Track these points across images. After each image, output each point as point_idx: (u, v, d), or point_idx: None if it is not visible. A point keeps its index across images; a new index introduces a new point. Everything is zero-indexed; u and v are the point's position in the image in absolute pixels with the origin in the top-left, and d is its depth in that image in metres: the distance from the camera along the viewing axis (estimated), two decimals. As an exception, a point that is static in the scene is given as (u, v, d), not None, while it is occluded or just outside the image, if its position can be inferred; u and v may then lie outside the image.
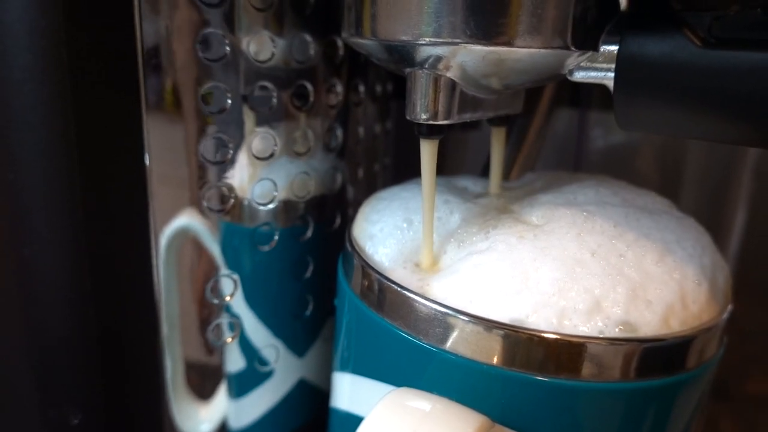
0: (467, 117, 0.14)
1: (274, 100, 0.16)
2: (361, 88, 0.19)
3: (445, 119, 0.13)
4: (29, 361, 0.15)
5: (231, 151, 0.16)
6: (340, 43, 0.17)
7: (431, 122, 0.13)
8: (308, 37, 0.16)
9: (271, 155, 0.17)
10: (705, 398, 0.15)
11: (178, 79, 0.15)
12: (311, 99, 0.17)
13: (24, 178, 0.14)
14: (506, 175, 0.19)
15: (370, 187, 0.21)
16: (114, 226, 0.14)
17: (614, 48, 0.12)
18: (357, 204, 0.21)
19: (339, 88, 0.18)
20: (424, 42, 0.12)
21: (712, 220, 0.23)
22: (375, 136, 0.20)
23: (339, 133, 0.18)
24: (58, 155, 0.14)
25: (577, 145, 0.21)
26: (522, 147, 0.19)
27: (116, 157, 0.14)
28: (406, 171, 0.22)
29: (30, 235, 0.14)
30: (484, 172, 0.20)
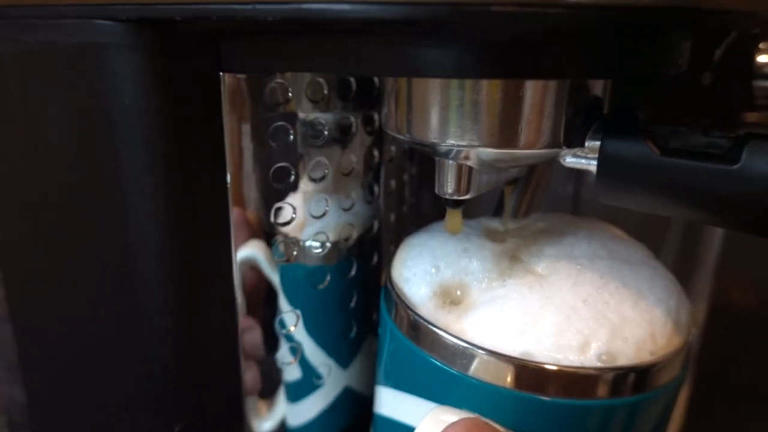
0: (484, 189, 0.18)
1: (327, 171, 0.20)
2: (393, 148, 0.23)
3: (466, 195, 0.17)
4: (139, 380, 0.20)
5: (293, 214, 0.20)
6: (375, 116, 0.21)
7: (455, 198, 0.17)
8: (351, 117, 0.20)
9: (324, 213, 0.20)
10: (672, 406, 0.18)
11: (255, 159, 0.18)
12: (355, 166, 0.21)
13: (136, 221, 0.18)
14: (516, 215, 0.23)
15: (399, 225, 0.25)
16: (208, 289, 0.19)
17: (597, 144, 0.16)
18: (389, 241, 0.25)
19: (375, 152, 0.22)
20: (447, 145, 0.16)
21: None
22: (403, 183, 0.24)
23: (375, 188, 0.22)
24: (163, 202, 0.18)
25: (575, 186, 0.25)
26: (527, 192, 0.23)
27: (209, 221, 0.18)
28: (429, 208, 0.26)
29: (140, 273, 0.18)
30: (496, 212, 0.24)
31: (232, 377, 0.20)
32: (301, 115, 0.19)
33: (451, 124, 0.16)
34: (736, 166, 0.13)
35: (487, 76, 0.14)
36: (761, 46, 0.23)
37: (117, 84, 0.17)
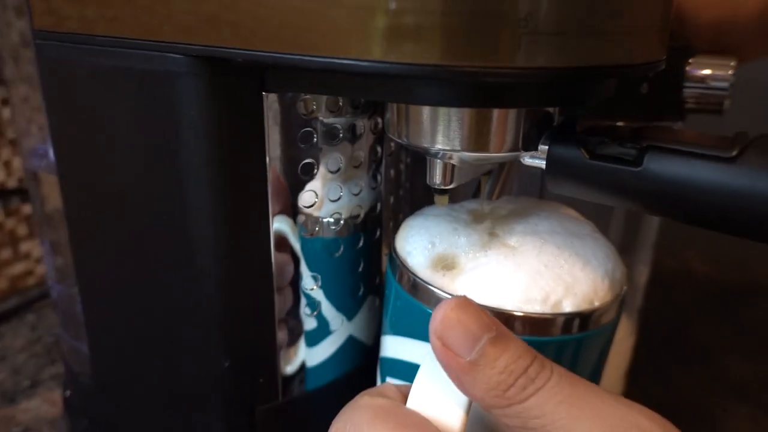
0: (464, 180, 0.23)
1: (341, 164, 0.25)
2: (392, 144, 0.28)
3: (450, 185, 0.23)
4: (195, 327, 0.25)
5: (315, 198, 0.25)
6: (379, 120, 0.27)
7: (441, 187, 0.23)
8: (360, 121, 0.26)
9: (339, 198, 0.26)
10: (609, 343, 0.24)
11: (287, 157, 0.24)
12: (362, 160, 0.26)
13: (196, 204, 0.23)
14: (490, 198, 0.29)
15: (397, 206, 0.31)
16: (250, 257, 0.24)
17: (546, 149, 0.21)
18: (389, 219, 0.30)
19: (378, 149, 0.27)
20: (436, 149, 0.21)
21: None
22: (400, 172, 0.30)
23: (378, 177, 0.28)
24: (217, 193, 0.23)
25: (542, 174, 0.30)
26: (498, 181, 0.28)
27: (253, 214, 0.24)
28: (420, 192, 0.32)
29: (203, 258, 0.24)
30: (474, 196, 0.29)
31: (268, 326, 0.26)
32: (322, 121, 0.24)
33: (439, 133, 0.21)
34: (639, 169, 0.19)
35: (464, 106, 0.19)
36: (690, 60, 0.29)
37: (181, 102, 0.22)
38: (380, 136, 0.27)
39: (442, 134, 0.21)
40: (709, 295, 0.63)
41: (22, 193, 0.58)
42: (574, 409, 0.17)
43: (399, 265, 0.24)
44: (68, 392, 0.37)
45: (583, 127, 0.21)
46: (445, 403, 0.19)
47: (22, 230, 0.59)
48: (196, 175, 0.23)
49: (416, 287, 0.23)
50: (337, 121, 0.25)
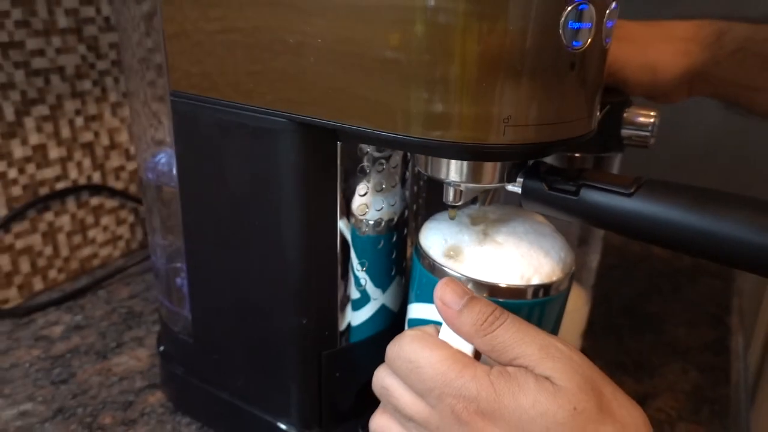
0: (467, 199, 0.35)
1: (383, 185, 0.37)
2: (416, 169, 0.40)
3: (458, 202, 0.34)
4: (281, 293, 0.37)
5: (366, 209, 0.37)
6: (408, 155, 0.38)
7: (452, 204, 0.34)
8: (397, 156, 0.37)
9: (381, 208, 0.38)
10: (563, 307, 0.36)
11: (349, 183, 0.35)
12: (396, 181, 0.38)
13: (288, 218, 0.35)
14: (484, 203, 0.40)
15: (418, 212, 0.42)
16: (322, 248, 0.36)
17: (521, 181, 0.33)
18: (412, 221, 0.42)
19: (407, 173, 0.39)
20: (449, 180, 0.33)
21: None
22: (419, 189, 0.41)
23: (406, 193, 0.39)
24: (304, 210, 0.35)
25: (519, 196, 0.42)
26: (490, 195, 0.40)
27: (326, 220, 0.35)
28: (434, 201, 0.43)
29: (294, 243, 0.35)
30: (473, 203, 0.41)
31: (332, 295, 0.38)
32: (372, 156, 0.36)
33: (452, 171, 0.33)
34: (577, 198, 0.31)
35: (469, 160, 0.31)
36: (626, 111, 0.40)
37: (281, 148, 0.33)
38: (407, 165, 0.39)
39: (455, 172, 0.33)
40: (664, 276, 0.75)
41: (90, 188, 0.69)
42: (520, 334, 0.29)
43: (422, 254, 0.36)
44: (162, 347, 0.49)
45: (545, 168, 0.33)
46: (460, 340, 0.31)
47: (89, 220, 0.70)
48: (289, 197, 0.34)
49: (434, 269, 0.35)
50: (382, 155, 0.36)
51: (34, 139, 0.62)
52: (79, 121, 0.66)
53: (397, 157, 0.37)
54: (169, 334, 0.47)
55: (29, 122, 0.61)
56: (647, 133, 0.40)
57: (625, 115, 0.40)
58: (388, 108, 0.28)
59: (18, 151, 0.61)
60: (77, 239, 0.69)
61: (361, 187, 0.36)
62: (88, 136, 0.67)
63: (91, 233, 0.70)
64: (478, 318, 0.30)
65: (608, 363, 0.55)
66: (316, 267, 0.36)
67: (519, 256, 0.34)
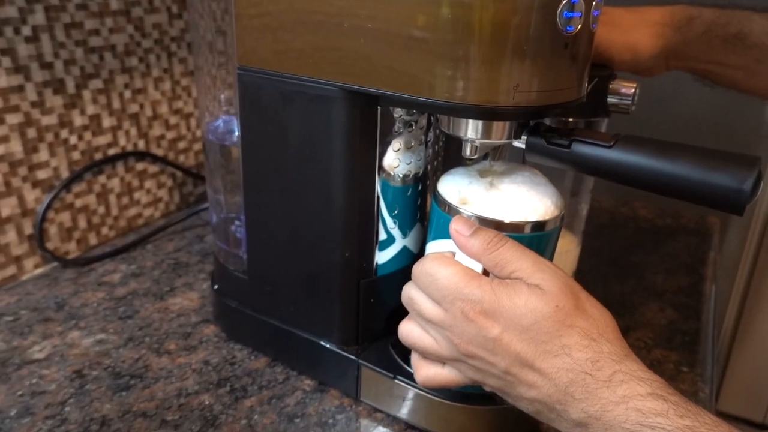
0: (481, 153, 0.43)
1: (412, 143, 0.45)
2: (437, 131, 0.48)
3: (474, 156, 0.43)
4: (328, 233, 0.45)
5: (398, 162, 0.45)
6: (432, 118, 0.46)
7: (470, 158, 0.43)
8: (423, 118, 0.45)
9: (409, 162, 0.46)
10: (555, 242, 0.45)
11: (384, 143, 0.43)
12: (421, 139, 0.46)
13: (336, 177, 0.43)
14: (493, 159, 0.48)
15: (437, 166, 0.51)
16: (363, 196, 0.44)
17: (525, 138, 0.41)
18: (432, 174, 0.50)
19: (430, 133, 0.47)
20: (467, 137, 0.41)
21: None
22: (438, 148, 0.50)
23: (429, 150, 0.48)
24: (348, 168, 0.43)
25: (523, 151, 0.51)
26: (499, 151, 0.48)
27: (367, 171, 0.43)
28: (452, 157, 0.52)
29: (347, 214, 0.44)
30: (484, 158, 0.49)
31: (369, 234, 0.46)
32: (402, 118, 0.44)
33: (470, 129, 0.41)
34: (569, 150, 0.39)
35: (485, 119, 0.39)
36: (611, 83, 0.49)
37: (333, 113, 0.41)
38: (430, 128, 0.47)
39: (472, 130, 0.41)
40: (648, 233, 0.84)
41: (135, 154, 0.77)
42: (517, 253, 0.37)
43: (440, 200, 0.44)
44: (217, 286, 0.58)
45: (544, 128, 0.41)
46: (470, 260, 0.39)
47: (135, 183, 0.78)
48: (338, 152, 0.42)
49: (450, 209, 0.43)
50: (411, 119, 0.44)
51: (90, 109, 0.70)
52: (127, 93, 0.74)
53: (423, 120, 0.46)
54: (225, 274, 0.56)
55: (87, 94, 0.69)
56: (629, 102, 0.48)
57: (610, 86, 0.48)
58: (421, 78, 0.36)
59: (78, 120, 0.69)
60: (125, 200, 0.77)
61: (395, 144, 0.45)
62: (134, 108, 0.75)
63: (136, 195, 0.78)
64: (484, 240, 0.38)
65: (596, 302, 0.64)
66: (358, 211, 0.45)
67: (519, 199, 0.42)
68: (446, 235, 0.42)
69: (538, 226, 0.41)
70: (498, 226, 0.41)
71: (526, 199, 0.42)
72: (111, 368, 0.53)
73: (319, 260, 0.47)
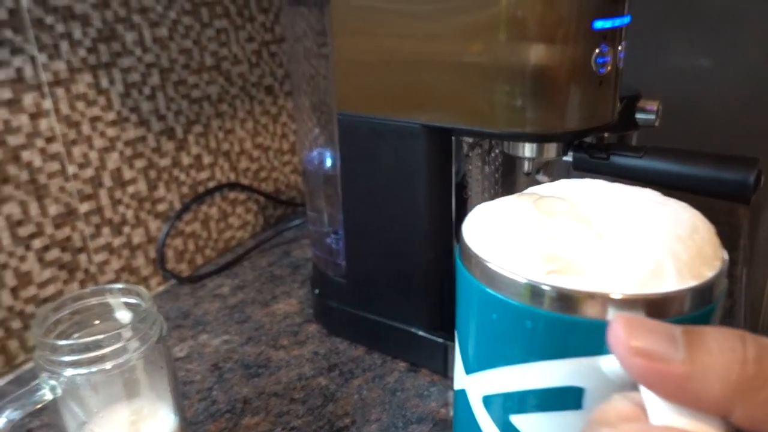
0: (535, 168, 0.54)
1: (479, 165, 0.56)
2: (496, 156, 0.59)
3: (530, 171, 0.53)
4: (425, 242, 0.57)
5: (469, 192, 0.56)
6: (494, 143, 0.57)
7: (527, 172, 0.53)
8: (486, 144, 0.56)
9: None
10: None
11: (457, 171, 0.55)
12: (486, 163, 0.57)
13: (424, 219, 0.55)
14: (545, 173, 0.59)
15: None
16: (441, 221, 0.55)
17: (571, 153, 0.52)
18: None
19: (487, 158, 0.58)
20: (525, 156, 0.52)
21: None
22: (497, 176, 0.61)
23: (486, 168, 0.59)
24: (430, 192, 0.54)
25: (570, 165, 0.61)
26: (549, 163, 0.58)
27: (443, 195, 0.55)
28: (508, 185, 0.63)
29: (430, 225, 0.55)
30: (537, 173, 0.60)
31: (449, 240, 0.57)
32: (471, 148, 0.55)
33: (526, 149, 0.52)
34: (608, 161, 0.50)
35: (540, 142, 0.50)
36: (639, 102, 0.59)
37: (417, 144, 0.53)
38: (491, 149, 0.58)
39: (528, 150, 0.52)
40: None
41: (228, 186, 0.90)
42: None
43: (509, 281, 0.24)
44: (317, 290, 0.70)
45: (586, 144, 0.52)
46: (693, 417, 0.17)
47: (229, 210, 0.91)
48: (421, 175, 0.54)
49: (573, 305, 0.23)
50: (476, 141, 0.56)
51: (194, 150, 0.83)
52: (221, 134, 0.87)
53: (486, 144, 0.57)
54: (325, 279, 0.68)
55: (191, 138, 0.82)
56: (653, 117, 0.58)
57: (637, 105, 0.59)
58: (489, 113, 0.48)
59: (185, 160, 0.82)
60: (222, 225, 0.90)
61: (460, 171, 0.56)
62: (226, 146, 0.88)
63: (230, 220, 0.91)
64: (730, 357, 0.17)
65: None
66: (439, 222, 0.56)
67: (655, 244, 0.23)
68: (542, 351, 0.23)
69: (703, 293, 0.22)
70: (652, 306, 0.22)
71: (658, 246, 0.23)
72: (240, 361, 0.65)
73: (409, 263, 0.59)
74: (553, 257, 0.23)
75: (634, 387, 0.19)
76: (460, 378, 0.27)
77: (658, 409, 0.18)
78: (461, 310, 0.27)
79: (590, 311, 0.22)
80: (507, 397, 0.25)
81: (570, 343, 0.22)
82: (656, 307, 0.21)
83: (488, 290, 0.25)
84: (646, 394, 0.18)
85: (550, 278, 0.23)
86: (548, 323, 0.23)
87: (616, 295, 0.21)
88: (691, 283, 0.22)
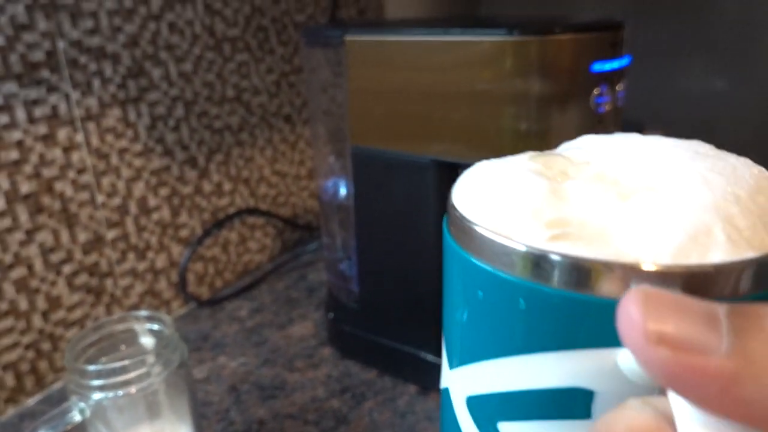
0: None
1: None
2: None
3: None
4: (432, 268, 0.59)
5: (475, 210, 0.59)
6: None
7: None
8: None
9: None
10: None
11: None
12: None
13: (429, 246, 0.57)
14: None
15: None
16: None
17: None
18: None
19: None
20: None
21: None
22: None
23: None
24: (437, 225, 0.57)
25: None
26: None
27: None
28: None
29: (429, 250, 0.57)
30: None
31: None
32: (477, 178, 0.58)
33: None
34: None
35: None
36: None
37: (426, 177, 0.56)
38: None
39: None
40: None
41: (247, 211, 0.93)
42: None
43: (499, 250, 0.41)
44: (331, 314, 0.72)
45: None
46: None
47: (247, 234, 0.94)
48: (428, 207, 0.56)
49: (582, 279, 0.20)
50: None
51: (215, 178, 0.87)
52: (240, 162, 0.90)
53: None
54: (338, 304, 0.70)
55: (212, 167, 0.86)
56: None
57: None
58: (489, 148, 0.50)
59: (207, 187, 0.86)
60: (241, 249, 0.93)
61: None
62: (246, 173, 0.92)
63: (248, 244, 0.95)
64: None
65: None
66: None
67: (701, 205, 0.17)
68: (534, 343, 0.18)
69: (764, 269, 0.16)
70: (690, 280, 0.16)
71: (705, 206, 0.17)
72: (257, 383, 0.68)
73: (419, 290, 0.61)
74: (558, 221, 0.18)
75: (662, 391, 0.14)
76: (444, 374, 0.22)
77: (690, 421, 0.12)
78: (446, 289, 0.23)
79: (605, 288, 0.16)
80: (495, 398, 0.19)
81: (577, 330, 0.16)
82: (697, 283, 0.15)
83: (472, 259, 0.19)
84: (675, 401, 0.13)
85: (553, 245, 0.17)
86: (548, 303, 0.17)
87: (645, 265, 0.15)
88: (749, 254, 0.16)
